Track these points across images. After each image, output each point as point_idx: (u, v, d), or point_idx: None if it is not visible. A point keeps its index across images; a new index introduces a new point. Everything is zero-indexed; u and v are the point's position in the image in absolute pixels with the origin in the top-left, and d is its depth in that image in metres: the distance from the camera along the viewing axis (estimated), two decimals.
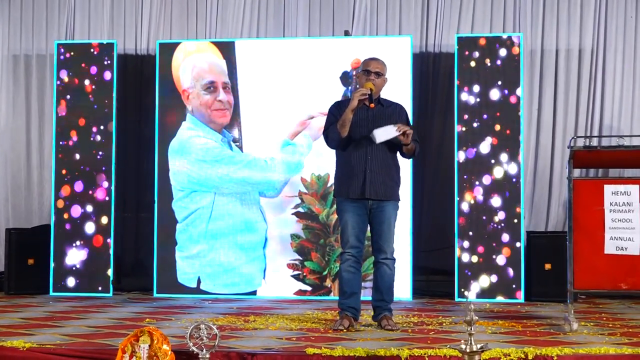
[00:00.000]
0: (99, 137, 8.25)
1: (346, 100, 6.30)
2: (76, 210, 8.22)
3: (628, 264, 5.86)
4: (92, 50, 8.36)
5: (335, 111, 6.10)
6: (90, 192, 8.22)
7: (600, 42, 8.55)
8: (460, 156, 7.88)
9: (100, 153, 8.23)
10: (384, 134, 5.85)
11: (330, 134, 6.05)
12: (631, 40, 8.54)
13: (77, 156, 8.25)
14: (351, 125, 5.95)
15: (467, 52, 7.96)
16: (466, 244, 7.81)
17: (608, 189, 5.93)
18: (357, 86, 6.52)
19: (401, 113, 6.16)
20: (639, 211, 5.86)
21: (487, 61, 7.94)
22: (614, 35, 8.55)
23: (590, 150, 6.10)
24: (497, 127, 7.86)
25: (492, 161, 7.85)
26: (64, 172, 8.26)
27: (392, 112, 6.10)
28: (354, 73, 7.76)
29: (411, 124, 6.28)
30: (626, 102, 8.52)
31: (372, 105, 5.91)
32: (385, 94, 6.30)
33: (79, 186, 8.23)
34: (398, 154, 6.10)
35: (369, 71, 6.05)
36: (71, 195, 8.23)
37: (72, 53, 8.37)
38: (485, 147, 7.87)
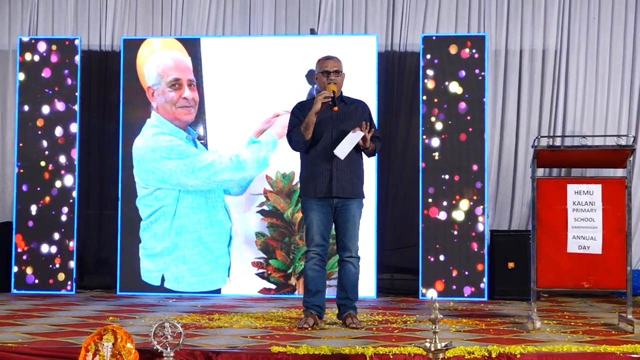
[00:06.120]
0: (62, 133, 8.18)
1: (309, 101, 6.22)
2: (39, 207, 8.14)
3: (590, 263, 5.92)
4: (55, 46, 8.28)
5: (298, 113, 6.06)
6: (53, 188, 8.14)
7: (564, 43, 8.63)
8: (425, 154, 7.91)
9: (64, 149, 8.16)
10: (346, 146, 5.84)
11: (294, 137, 6.02)
12: (594, 41, 8.62)
13: (40, 152, 8.18)
14: (315, 125, 5.94)
15: (432, 52, 7.99)
16: (430, 242, 7.84)
17: (571, 188, 5.98)
18: (317, 87, 6.48)
19: (364, 110, 6.14)
20: (601, 210, 5.93)
21: (452, 61, 7.97)
22: (577, 36, 8.63)
23: (554, 150, 6.15)
24: (462, 127, 7.90)
25: (457, 160, 7.88)
26: (26, 168, 8.18)
27: (356, 109, 6.09)
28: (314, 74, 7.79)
29: (374, 121, 6.26)
30: (589, 102, 8.60)
31: (336, 108, 5.88)
32: (351, 92, 6.30)
33: (41, 183, 8.15)
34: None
35: (328, 71, 6.03)
36: (34, 192, 8.15)
37: (35, 49, 8.28)
38: (449, 146, 7.90)
